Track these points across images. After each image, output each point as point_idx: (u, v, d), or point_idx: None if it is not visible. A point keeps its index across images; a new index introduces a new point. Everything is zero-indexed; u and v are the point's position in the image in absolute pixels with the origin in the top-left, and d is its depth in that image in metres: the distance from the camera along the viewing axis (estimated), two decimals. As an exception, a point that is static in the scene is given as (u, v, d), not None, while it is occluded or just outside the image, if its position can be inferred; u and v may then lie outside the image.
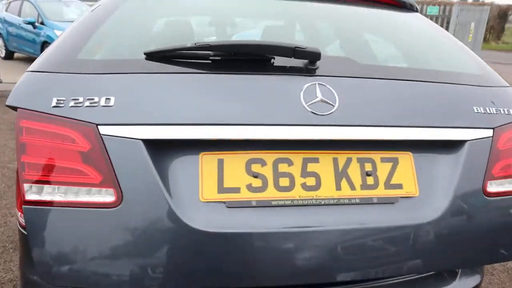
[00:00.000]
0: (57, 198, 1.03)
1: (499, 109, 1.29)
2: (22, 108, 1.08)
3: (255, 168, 1.12)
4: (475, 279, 1.55)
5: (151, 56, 1.22)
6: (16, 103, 1.10)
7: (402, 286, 1.49)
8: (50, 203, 1.03)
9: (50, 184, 1.03)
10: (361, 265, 1.13)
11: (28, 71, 1.21)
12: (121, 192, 1.02)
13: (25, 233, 1.36)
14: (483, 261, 1.20)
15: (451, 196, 1.15)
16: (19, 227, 1.40)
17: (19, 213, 1.38)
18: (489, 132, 1.24)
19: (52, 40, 8.45)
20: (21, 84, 1.16)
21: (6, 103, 1.14)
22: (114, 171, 1.02)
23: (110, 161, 1.03)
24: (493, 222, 1.17)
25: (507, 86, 1.43)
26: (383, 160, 1.18)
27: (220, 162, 1.11)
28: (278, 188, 1.11)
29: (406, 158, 1.19)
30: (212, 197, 1.09)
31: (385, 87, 1.25)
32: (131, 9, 1.58)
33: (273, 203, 1.10)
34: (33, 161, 1.04)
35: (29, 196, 1.03)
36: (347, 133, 1.13)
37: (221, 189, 1.09)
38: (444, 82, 1.34)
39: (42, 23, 8.84)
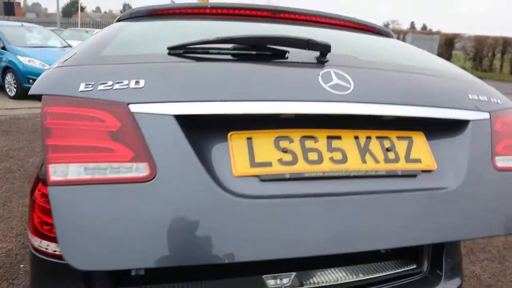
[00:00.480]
0: (85, 176, 1.00)
1: (489, 97, 1.45)
2: (47, 95, 1.08)
3: (283, 144, 1.16)
4: (456, 282, 1.71)
5: (175, 49, 1.30)
6: (40, 91, 1.10)
7: (391, 287, 1.62)
8: (78, 182, 0.99)
9: (77, 163, 1.00)
10: (392, 230, 1.18)
11: (50, 68, 1.23)
12: (155, 165, 1.02)
13: (36, 254, 1.38)
14: (496, 231, 1.28)
15: (466, 169, 1.25)
16: (32, 250, 1.42)
17: (31, 234, 1.41)
18: (487, 115, 1.37)
19: (15, 65, 8.27)
20: (45, 76, 1.18)
21: (30, 92, 1.14)
22: (147, 146, 1.03)
23: (143, 137, 1.03)
24: (505, 194, 1.27)
25: (480, 80, 1.64)
26: (399, 138, 1.27)
27: (249, 141, 1.14)
28: (308, 161, 1.15)
29: (419, 137, 1.30)
30: (245, 171, 1.11)
31: (390, 76, 1.40)
32: (135, 30, 1.72)
33: (306, 175, 1.14)
34: (59, 143, 1.02)
35: (54, 177, 0.99)
36: (365, 109, 1.21)
37: (253, 164, 1.12)
38: (437, 76, 1.52)
39: (3, 48, 8.65)
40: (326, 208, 1.11)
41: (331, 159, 1.18)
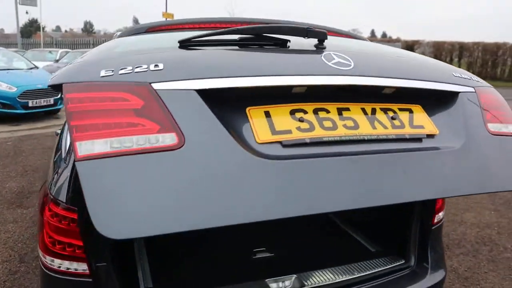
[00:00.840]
0: (112, 149, 1.01)
1: (470, 77, 1.60)
2: (68, 83, 1.13)
3: (299, 115, 1.25)
4: (441, 274, 1.86)
5: (186, 42, 1.44)
6: (60, 80, 1.15)
7: (383, 283, 1.75)
8: (105, 155, 1.00)
9: (102, 138, 1.02)
10: (407, 185, 1.24)
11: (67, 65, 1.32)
12: (183, 135, 1.06)
13: (48, 273, 1.41)
14: (494, 187, 1.37)
15: (465, 132, 1.37)
16: (43, 268, 1.45)
17: (42, 253, 1.44)
18: (472, 89, 1.51)
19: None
20: (63, 70, 1.25)
21: (49, 84, 1.20)
22: (173, 118, 1.08)
23: (168, 111, 1.08)
24: (500, 154, 1.39)
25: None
26: (401, 109, 1.39)
27: (267, 113, 1.23)
28: (324, 128, 1.24)
29: (418, 109, 1.41)
30: (267, 138, 1.18)
31: (383, 58, 1.55)
32: (140, 38, 1.94)
33: (324, 139, 1.22)
34: (82, 123, 1.04)
35: (83, 152, 1.00)
36: (367, 81, 1.32)
37: (274, 132, 1.19)
38: (422, 60, 1.69)
39: (-34, 72, 8.39)
40: (346, 166, 1.18)
41: (345, 126, 1.27)
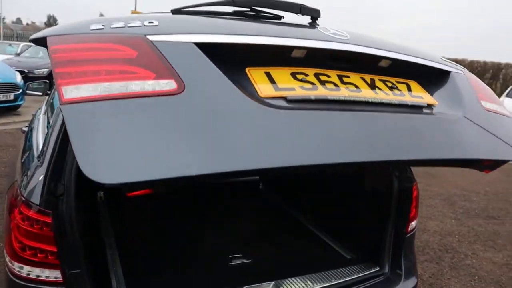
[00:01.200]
0: (102, 93, 0.92)
1: (455, 64, 1.64)
2: (53, 35, 1.06)
3: (300, 77, 1.22)
4: (413, 281, 1.90)
5: (179, 10, 1.42)
6: (45, 34, 1.08)
7: None
8: (94, 99, 0.91)
9: (92, 83, 0.93)
10: (411, 143, 1.23)
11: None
12: (183, 81, 0.99)
13: (15, 281, 1.33)
14: (499, 155, 1.38)
15: (462, 106, 1.39)
16: (10, 276, 1.36)
17: (9, 259, 1.36)
18: (461, 72, 1.56)
19: None
20: (48, 29, 1.18)
21: (31, 38, 1.14)
22: (171, 66, 1.01)
23: (166, 59, 1.02)
24: (493, 129, 1.40)
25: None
26: (398, 82, 1.40)
27: (267, 74, 1.18)
28: (327, 89, 1.21)
29: (414, 84, 1.43)
30: (271, 93, 1.12)
31: (376, 38, 1.56)
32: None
33: (329, 97, 1.18)
34: (69, 70, 0.96)
35: (68, 96, 0.90)
36: (364, 49, 1.32)
37: (277, 88, 1.14)
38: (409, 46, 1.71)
39: None
40: (352, 120, 1.15)
41: (347, 89, 1.25)
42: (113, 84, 0.93)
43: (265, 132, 1.01)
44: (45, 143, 1.49)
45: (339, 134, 1.10)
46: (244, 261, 1.99)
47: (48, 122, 1.88)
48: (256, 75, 1.15)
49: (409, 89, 1.39)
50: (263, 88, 1.12)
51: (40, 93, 3.55)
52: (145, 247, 2.08)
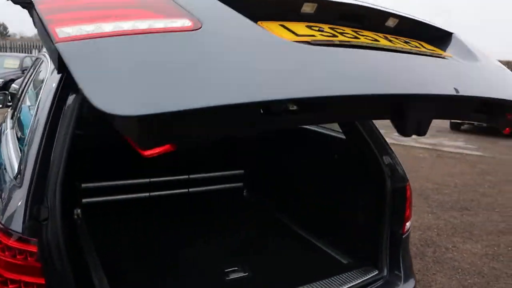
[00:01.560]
0: (104, 30, 0.88)
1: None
2: None
3: (316, 28, 1.20)
4: (412, 282, 1.88)
5: None
6: None
7: None
8: (97, 36, 0.86)
9: (91, 23, 0.89)
10: (437, 80, 1.24)
11: None
12: (198, 19, 0.97)
13: None
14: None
15: (474, 58, 1.44)
16: None
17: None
18: (457, 35, 1.59)
19: None
20: None
21: None
22: (182, 7, 1.02)
23: (177, 3, 1.04)
24: (502, 80, 1.45)
25: None
26: (409, 41, 1.41)
27: (282, 25, 1.16)
28: (347, 37, 1.21)
29: (423, 43, 1.44)
30: (292, 38, 1.09)
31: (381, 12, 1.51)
32: None
33: (352, 42, 1.19)
34: (60, 17, 0.95)
35: (62, 35, 0.85)
36: (373, 7, 1.33)
37: (297, 35, 1.12)
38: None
39: None
40: (378, 57, 1.18)
41: (366, 38, 1.26)
42: (120, 23, 0.91)
43: (296, 66, 1.00)
44: (22, 161, 1.34)
45: (369, 69, 1.10)
46: (242, 274, 1.90)
47: (20, 138, 1.73)
48: (271, 26, 1.13)
49: (421, 44, 1.41)
50: (282, 34, 1.10)
51: (0, 105, 3.46)
52: (132, 266, 1.96)
